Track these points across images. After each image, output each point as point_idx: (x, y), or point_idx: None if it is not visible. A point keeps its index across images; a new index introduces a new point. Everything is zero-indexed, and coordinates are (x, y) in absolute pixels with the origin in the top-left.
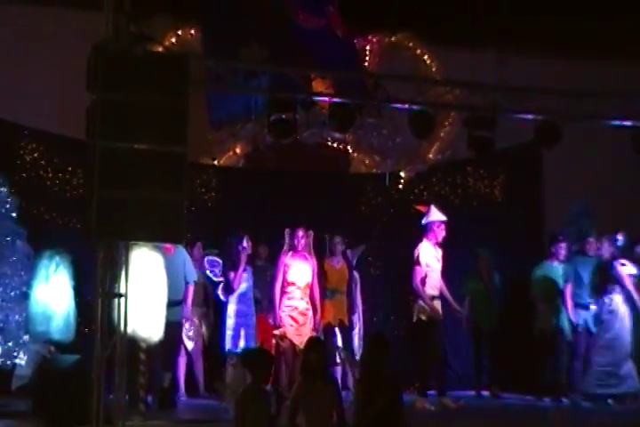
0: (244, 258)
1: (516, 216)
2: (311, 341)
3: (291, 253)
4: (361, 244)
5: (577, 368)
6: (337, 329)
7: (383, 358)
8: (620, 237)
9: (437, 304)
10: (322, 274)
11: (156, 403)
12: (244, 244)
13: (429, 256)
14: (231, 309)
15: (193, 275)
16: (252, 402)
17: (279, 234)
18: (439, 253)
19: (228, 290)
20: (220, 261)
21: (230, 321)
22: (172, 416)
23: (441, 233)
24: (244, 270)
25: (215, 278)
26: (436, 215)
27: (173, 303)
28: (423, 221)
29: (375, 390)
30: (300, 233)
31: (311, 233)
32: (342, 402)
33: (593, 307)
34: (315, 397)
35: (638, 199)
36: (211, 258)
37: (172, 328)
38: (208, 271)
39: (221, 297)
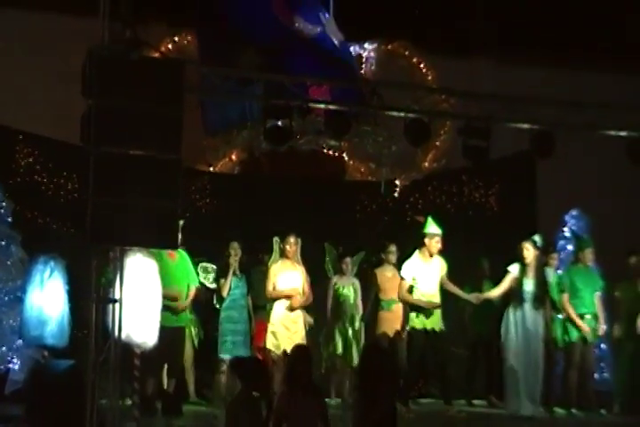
0: (233, 264)
1: (511, 226)
2: (298, 350)
3: (280, 260)
4: (358, 251)
5: (572, 378)
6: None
7: (381, 366)
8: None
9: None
10: (373, 285)
11: (161, 409)
12: (234, 250)
13: (415, 269)
14: (222, 315)
15: (195, 279)
16: (241, 411)
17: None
18: (433, 263)
19: (219, 297)
20: (214, 268)
21: (220, 327)
22: (165, 423)
23: (435, 246)
24: (236, 277)
25: (209, 285)
26: (430, 227)
27: (179, 309)
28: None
29: (375, 398)
30: (292, 240)
31: (299, 241)
32: (327, 413)
33: (588, 317)
34: (299, 407)
35: (634, 209)
36: (204, 265)
37: (177, 334)
38: (201, 278)
39: (215, 304)
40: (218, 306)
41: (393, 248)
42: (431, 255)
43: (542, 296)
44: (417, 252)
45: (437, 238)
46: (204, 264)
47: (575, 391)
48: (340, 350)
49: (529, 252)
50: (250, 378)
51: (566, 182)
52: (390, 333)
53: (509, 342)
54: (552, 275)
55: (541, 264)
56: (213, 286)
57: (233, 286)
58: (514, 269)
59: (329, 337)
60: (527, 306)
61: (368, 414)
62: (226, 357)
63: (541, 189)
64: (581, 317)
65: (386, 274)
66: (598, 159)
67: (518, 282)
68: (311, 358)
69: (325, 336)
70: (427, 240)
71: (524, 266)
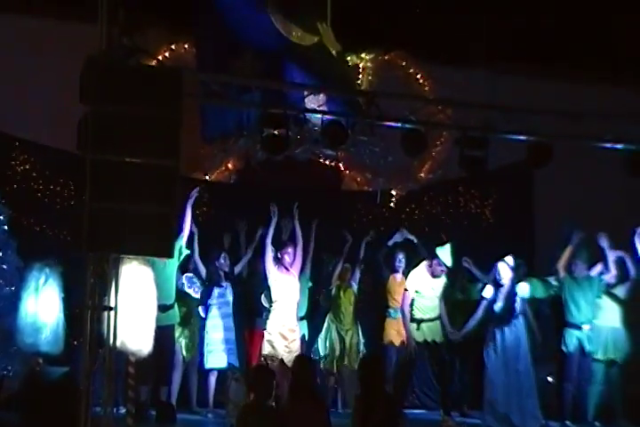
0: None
1: (507, 237)
2: (300, 359)
3: (277, 267)
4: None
5: (568, 389)
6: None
7: (380, 375)
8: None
9: (429, 327)
10: (384, 293)
11: (155, 417)
12: (221, 260)
13: (418, 282)
14: (207, 325)
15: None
16: (253, 418)
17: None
18: (435, 280)
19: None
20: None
21: (207, 336)
22: None
23: (436, 271)
24: (221, 286)
25: (194, 295)
26: (445, 255)
27: (166, 308)
28: (437, 250)
29: (373, 405)
30: (290, 250)
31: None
32: (330, 422)
33: (586, 327)
34: (302, 416)
35: (630, 220)
36: (189, 275)
37: (165, 333)
38: (187, 288)
39: (201, 313)
40: (202, 315)
41: (401, 256)
42: (433, 275)
43: (510, 313)
44: (424, 264)
45: (444, 268)
46: (190, 274)
47: (571, 403)
48: (338, 355)
49: (505, 273)
50: (258, 385)
51: (563, 193)
52: (396, 342)
53: (490, 361)
54: (527, 289)
55: (513, 285)
56: (198, 296)
57: (217, 295)
58: (487, 293)
59: (327, 344)
60: (504, 324)
61: (364, 422)
62: (211, 367)
63: (538, 200)
64: (579, 327)
65: (396, 277)
66: (596, 169)
67: (490, 305)
68: (314, 367)
69: (323, 343)
70: (436, 262)
71: (497, 289)
